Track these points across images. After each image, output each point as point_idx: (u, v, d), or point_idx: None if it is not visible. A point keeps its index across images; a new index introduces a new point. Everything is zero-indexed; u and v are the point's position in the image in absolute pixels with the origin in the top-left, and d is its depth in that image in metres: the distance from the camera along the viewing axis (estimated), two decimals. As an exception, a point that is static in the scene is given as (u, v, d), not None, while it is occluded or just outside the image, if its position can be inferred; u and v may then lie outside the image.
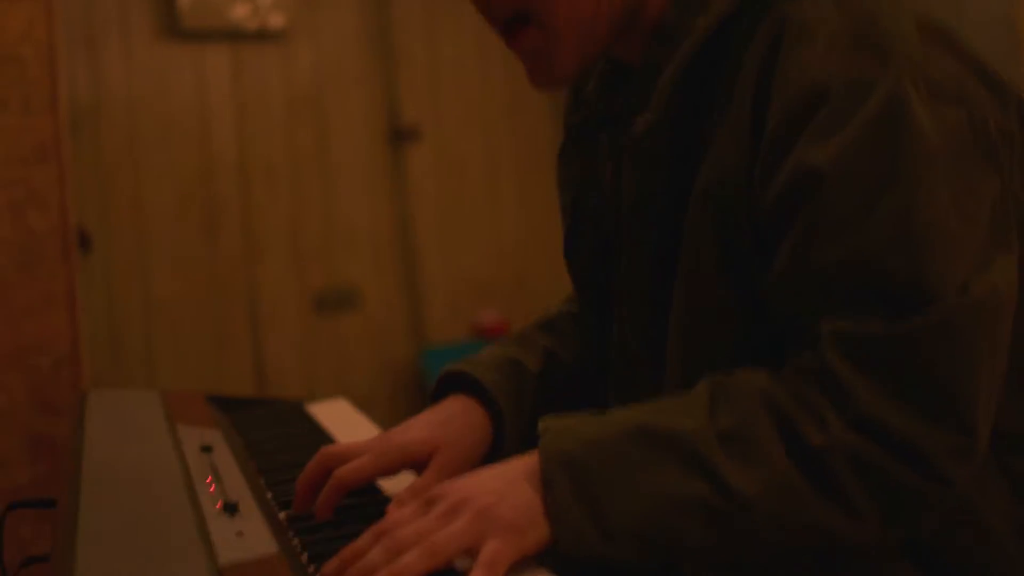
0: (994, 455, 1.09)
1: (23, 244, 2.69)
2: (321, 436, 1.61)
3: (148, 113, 3.73)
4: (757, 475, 0.99)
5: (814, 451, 0.98)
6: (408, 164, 4.00)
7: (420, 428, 1.27)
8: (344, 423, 1.74)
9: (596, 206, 1.28)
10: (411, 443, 1.25)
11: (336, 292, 4.04)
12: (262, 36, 3.88)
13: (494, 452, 1.31)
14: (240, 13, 3.82)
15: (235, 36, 3.84)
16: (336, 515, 1.20)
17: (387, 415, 4.10)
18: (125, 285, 3.71)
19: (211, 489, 1.25)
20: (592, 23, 1.16)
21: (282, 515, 1.20)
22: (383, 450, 1.24)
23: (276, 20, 3.88)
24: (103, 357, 3.58)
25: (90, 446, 1.43)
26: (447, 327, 4.16)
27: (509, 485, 1.03)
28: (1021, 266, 1.08)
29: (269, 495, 1.28)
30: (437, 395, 1.35)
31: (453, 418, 1.29)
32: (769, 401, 1.01)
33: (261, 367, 3.91)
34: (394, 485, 1.30)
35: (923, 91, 1.02)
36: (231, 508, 1.17)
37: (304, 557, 1.08)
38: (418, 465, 1.25)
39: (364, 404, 3.97)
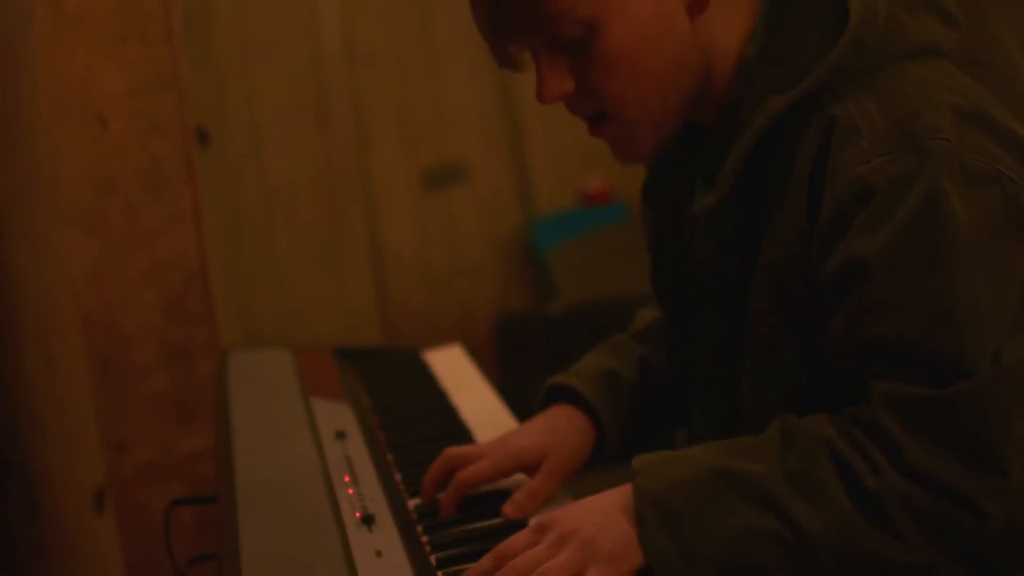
0: None
1: (149, 169, 2.85)
2: (442, 401, 1.76)
3: (256, 8, 3.84)
4: (821, 513, 1.17)
5: (871, 494, 1.15)
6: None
7: (531, 436, 1.46)
8: (458, 377, 1.88)
9: (676, 246, 1.41)
10: (524, 450, 1.45)
11: (445, 168, 4.17)
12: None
13: (595, 454, 1.50)
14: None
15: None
16: (462, 520, 1.37)
17: (498, 283, 4.26)
18: (243, 176, 3.88)
19: (350, 491, 1.41)
20: (662, 114, 1.30)
21: (419, 528, 1.36)
22: (499, 456, 1.43)
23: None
24: (226, 245, 3.76)
25: (237, 430, 1.60)
26: (553, 196, 4.27)
27: (608, 519, 1.22)
28: None
29: (402, 493, 1.44)
30: (544, 403, 1.52)
31: (559, 427, 1.48)
32: (831, 448, 1.18)
33: (376, 245, 4.07)
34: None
35: (959, 180, 1.17)
36: (369, 520, 1.33)
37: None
38: (529, 469, 1.42)
39: (476, 271, 4.15)
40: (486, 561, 1.22)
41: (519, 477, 1.46)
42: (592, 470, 1.50)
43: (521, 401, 3.64)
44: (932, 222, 1.16)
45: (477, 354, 4.14)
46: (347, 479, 1.45)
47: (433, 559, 1.30)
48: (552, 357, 3.64)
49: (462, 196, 4.20)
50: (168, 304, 2.91)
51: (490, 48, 1.33)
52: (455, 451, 1.45)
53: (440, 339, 4.15)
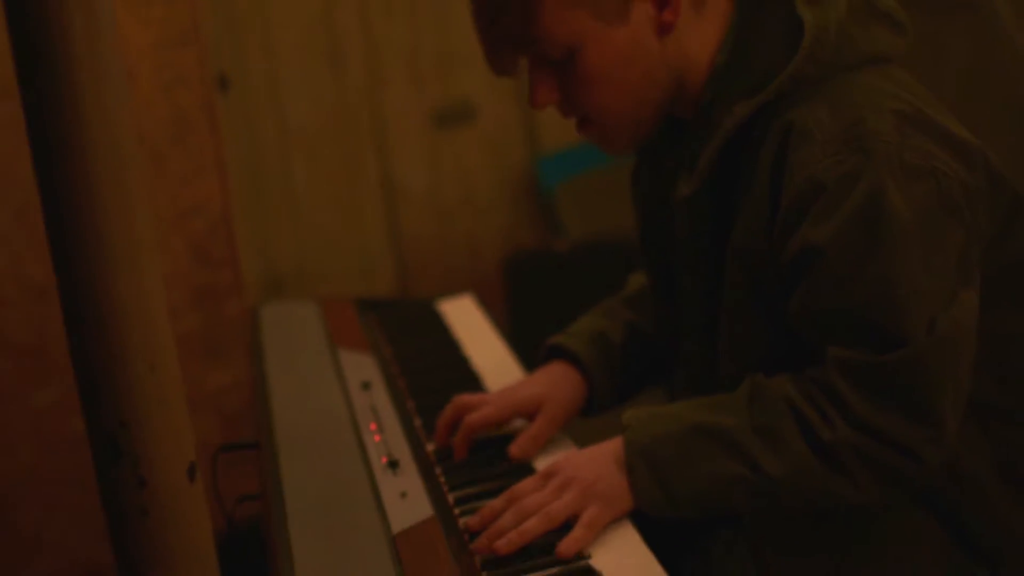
0: (976, 420, 1.46)
1: (174, 119, 3.02)
2: (455, 351, 1.94)
3: (271, -44, 3.98)
4: (783, 460, 1.37)
5: (825, 443, 1.35)
6: (516, -19, 4.21)
7: (532, 386, 1.66)
8: (470, 326, 2.07)
9: (661, 224, 1.60)
10: (524, 399, 1.65)
11: (454, 108, 4.31)
12: None
13: (587, 406, 1.71)
14: None
15: None
16: (475, 463, 1.56)
17: (507, 217, 4.42)
18: (262, 119, 4.03)
19: (376, 439, 1.59)
20: (635, 120, 1.50)
21: (437, 471, 1.55)
22: (502, 403, 1.63)
23: None
24: (247, 185, 3.92)
25: (272, 382, 1.78)
26: (558, 133, 4.41)
27: (603, 467, 1.43)
28: (993, 284, 1.43)
29: (422, 438, 1.63)
30: (544, 360, 1.74)
31: (555, 381, 1.68)
32: (792, 404, 1.38)
33: (388, 183, 4.23)
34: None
35: (899, 175, 1.35)
36: (394, 465, 1.52)
37: (456, 513, 1.43)
38: (528, 415, 1.64)
39: (484, 206, 4.31)
40: (499, 502, 1.42)
41: (520, 422, 1.66)
42: (583, 419, 1.70)
43: (530, 335, 3.82)
44: (874, 213, 1.35)
45: (486, 287, 4.34)
46: (373, 427, 1.64)
47: (451, 498, 1.48)
48: (559, 292, 3.84)
49: (470, 134, 4.34)
50: (194, 248, 3.09)
51: (487, 58, 1.51)
52: (463, 399, 1.65)
53: (451, 272, 4.35)
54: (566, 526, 1.39)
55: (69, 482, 2.80)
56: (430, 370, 1.88)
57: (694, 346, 1.59)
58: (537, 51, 1.48)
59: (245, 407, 3.09)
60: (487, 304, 4.18)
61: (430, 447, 1.63)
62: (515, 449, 1.60)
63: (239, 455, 1.78)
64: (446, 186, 4.35)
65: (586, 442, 1.56)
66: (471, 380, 1.85)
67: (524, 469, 1.56)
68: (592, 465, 1.43)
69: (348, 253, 4.22)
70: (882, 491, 1.39)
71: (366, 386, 1.77)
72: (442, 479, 1.53)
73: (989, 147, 1.46)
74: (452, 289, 4.31)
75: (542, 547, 1.36)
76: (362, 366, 1.84)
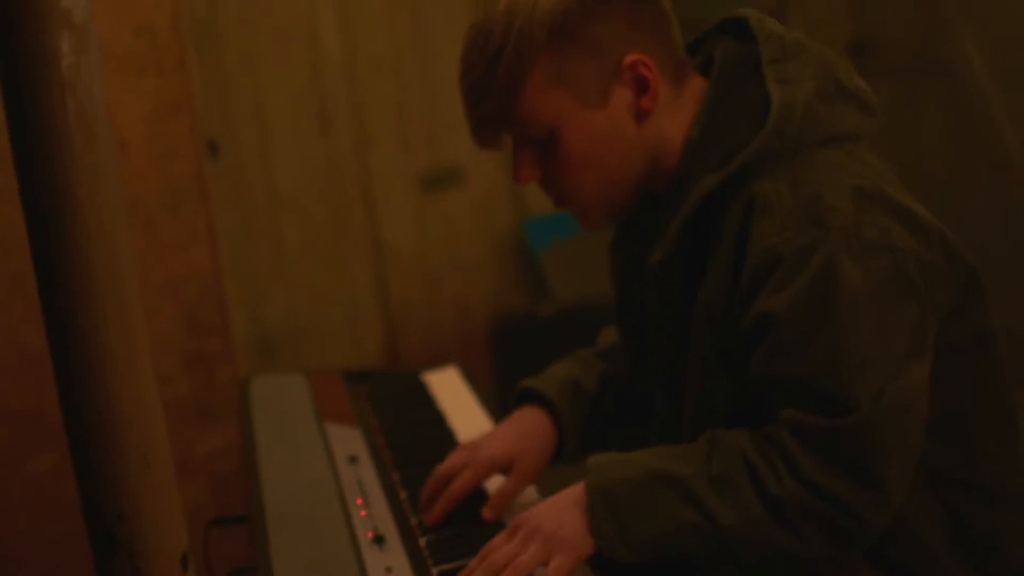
0: (930, 487, 1.53)
1: (167, 188, 3.08)
2: (440, 424, 1.99)
3: (261, 24, 4.05)
4: (735, 511, 1.44)
5: (774, 497, 1.42)
6: (502, 46, 4.28)
7: (503, 442, 1.75)
8: (454, 398, 2.12)
9: (637, 291, 1.67)
10: (496, 457, 1.73)
11: (441, 171, 4.38)
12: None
13: (557, 453, 1.79)
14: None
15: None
16: (457, 536, 1.61)
17: (493, 280, 4.48)
18: (251, 182, 4.09)
19: (362, 513, 1.64)
20: (610, 199, 1.59)
21: (422, 542, 1.60)
22: (478, 466, 1.71)
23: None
24: (236, 244, 3.98)
25: (262, 456, 1.83)
26: (545, 196, 4.47)
27: (565, 512, 1.50)
28: (950, 358, 1.51)
29: (407, 511, 1.68)
30: (517, 402, 1.83)
31: (527, 431, 1.77)
32: (745, 457, 1.45)
33: (377, 244, 4.29)
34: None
35: (854, 249, 1.42)
36: (380, 540, 1.56)
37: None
38: (504, 470, 1.72)
39: (472, 268, 4.36)
40: (474, 563, 1.49)
41: (497, 476, 1.73)
42: (553, 466, 1.77)
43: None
44: (827, 285, 1.41)
45: (474, 349, 4.39)
46: (359, 501, 1.68)
47: (435, 572, 1.53)
48: (543, 356, 3.89)
49: (458, 197, 4.41)
50: (186, 315, 3.14)
51: (472, 134, 1.59)
52: (441, 470, 1.72)
53: (438, 333, 4.40)
54: None
55: (66, 545, 2.85)
56: (416, 442, 1.94)
57: (663, 402, 1.67)
58: (520, 131, 1.55)
59: (236, 470, 3.13)
60: (474, 366, 4.25)
61: (415, 521, 1.68)
62: (487, 512, 1.68)
63: (230, 524, 1.82)
64: (434, 248, 4.41)
65: (556, 487, 1.62)
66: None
67: (498, 529, 1.62)
68: (554, 513, 1.50)
69: (337, 314, 4.27)
70: (827, 548, 1.45)
71: (353, 460, 1.82)
72: (427, 553, 1.58)
73: (963, 206, 1.53)
74: (440, 350, 4.39)
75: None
76: (349, 440, 1.89)
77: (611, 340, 1.91)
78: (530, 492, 1.72)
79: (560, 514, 1.49)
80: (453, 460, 1.72)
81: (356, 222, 4.28)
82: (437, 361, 4.31)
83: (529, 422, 1.78)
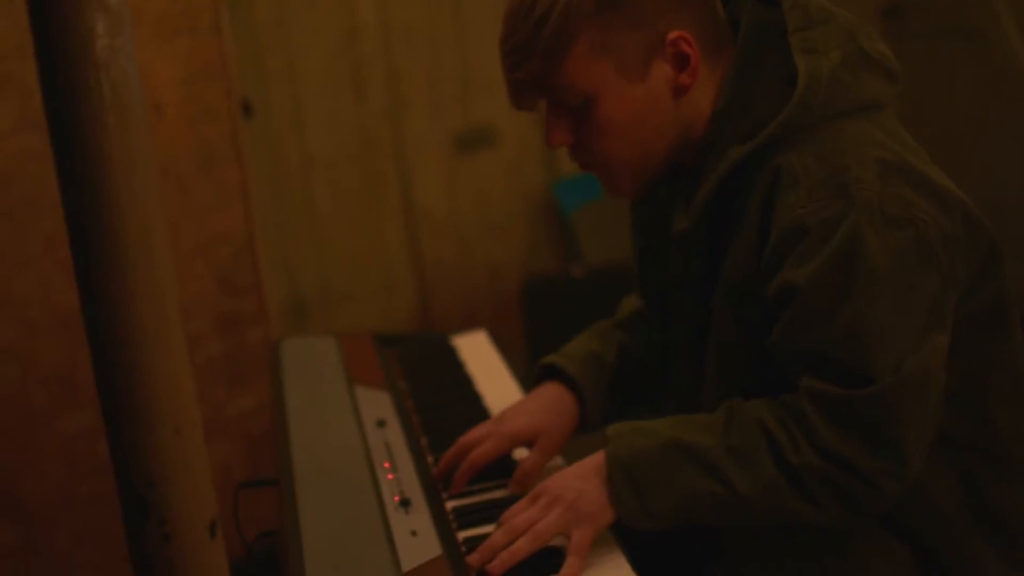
0: (946, 455, 1.55)
1: (201, 151, 3.11)
2: (468, 388, 2.02)
3: (295, -14, 4.07)
4: (753, 479, 1.46)
5: (792, 466, 1.45)
6: (535, 8, 4.29)
7: (527, 416, 1.76)
8: (483, 363, 2.15)
9: (658, 257, 1.69)
10: (520, 431, 1.75)
11: (474, 133, 4.40)
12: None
13: (580, 425, 1.81)
14: None
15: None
16: (482, 504, 1.64)
17: (525, 241, 4.50)
18: (285, 144, 4.12)
19: (389, 477, 1.67)
20: (641, 170, 1.58)
21: (448, 506, 1.63)
22: (501, 438, 1.73)
23: None
24: (269, 206, 4.01)
25: (292, 419, 1.86)
26: (576, 158, 4.48)
27: (586, 482, 1.53)
28: (968, 328, 1.52)
29: (433, 471, 1.70)
30: (539, 378, 1.84)
31: (550, 406, 1.79)
32: (764, 427, 1.47)
33: (410, 207, 4.31)
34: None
35: (878, 223, 1.43)
36: (406, 504, 1.59)
37: (464, 552, 1.51)
38: (527, 444, 1.74)
39: (504, 229, 4.38)
40: (495, 528, 1.53)
41: (522, 449, 1.76)
42: (576, 437, 1.80)
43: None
44: (851, 258, 1.43)
45: (506, 309, 4.42)
46: (387, 465, 1.71)
47: (460, 536, 1.56)
48: (575, 316, 3.91)
49: (490, 159, 4.43)
50: (219, 276, 3.17)
51: (510, 96, 1.60)
52: (465, 439, 1.75)
53: (470, 294, 4.43)
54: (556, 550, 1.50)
55: (99, 505, 2.90)
56: (443, 406, 1.96)
57: (683, 370, 1.69)
58: (556, 97, 1.56)
59: (267, 431, 3.17)
60: (506, 327, 4.29)
61: (441, 485, 1.70)
62: (514, 485, 1.69)
63: (259, 487, 1.85)
64: (466, 209, 4.43)
65: (576, 454, 1.65)
66: (482, 417, 1.92)
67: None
68: (575, 482, 1.52)
69: (370, 276, 4.30)
70: (843, 515, 1.47)
71: (381, 423, 1.85)
72: (452, 518, 1.61)
73: (994, 167, 1.55)
74: (472, 311, 4.43)
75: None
76: (378, 403, 1.92)
77: (631, 308, 1.93)
78: (556, 464, 1.74)
79: (581, 483, 1.52)
80: (478, 431, 1.75)
81: (389, 184, 4.31)
82: (469, 322, 4.37)
83: (552, 397, 1.80)
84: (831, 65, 1.52)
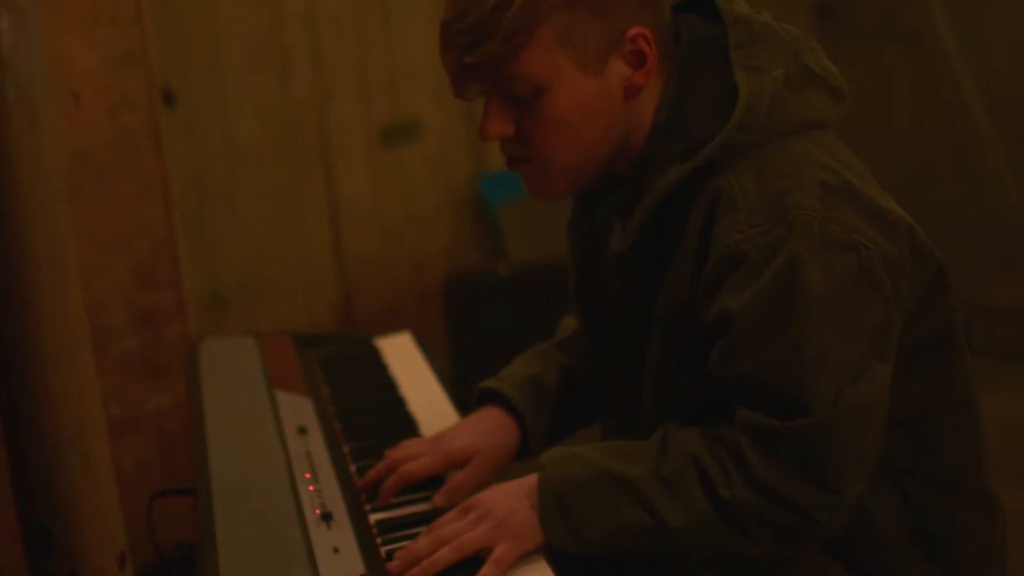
0: (890, 480, 1.52)
1: (120, 141, 3.02)
2: (392, 392, 1.97)
3: (220, -28, 3.99)
4: (684, 511, 1.42)
5: (724, 501, 1.40)
6: (464, 1, 4.24)
7: (464, 437, 1.70)
8: (407, 366, 2.10)
9: (595, 274, 1.64)
10: (457, 450, 1.69)
11: (400, 125, 4.34)
12: None
13: (520, 450, 1.75)
14: None
15: None
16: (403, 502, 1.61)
17: (450, 236, 4.46)
18: (206, 135, 4.04)
19: (310, 488, 1.62)
20: (578, 171, 1.53)
21: (371, 519, 1.58)
22: (436, 455, 1.68)
23: None
24: (191, 200, 3.93)
25: (210, 425, 1.80)
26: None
27: (517, 502, 1.48)
28: (914, 354, 1.48)
29: (357, 486, 1.65)
30: (478, 403, 1.78)
31: (489, 428, 1.73)
32: (696, 459, 1.43)
33: (333, 199, 4.25)
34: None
35: (818, 249, 1.39)
36: (328, 518, 1.54)
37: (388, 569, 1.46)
38: (461, 465, 1.68)
39: (429, 223, 4.33)
40: (422, 535, 1.49)
41: (453, 471, 1.70)
42: (517, 463, 1.74)
43: (471, 356, 3.84)
44: (790, 285, 1.39)
45: (429, 304, 4.36)
46: (308, 475, 1.66)
47: (383, 552, 1.51)
48: (501, 315, 3.88)
49: (415, 151, 4.38)
50: (137, 270, 3.09)
51: (452, 83, 1.52)
52: (397, 453, 1.68)
53: (394, 288, 4.36)
54: (479, 558, 1.45)
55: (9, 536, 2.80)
56: (367, 413, 1.91)
57: (621, 395, 1.63)
58: (504, 85, 1.49)
59: (183, 428, 3.10)
60: (430, 323, 4.24)
61: (364, 497, 1.65)
62: (439, 498, 1.64)
63: (185, 474, 1.79)
64: (390, 203, 4.38)
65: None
66: (407, 423, 1.87)
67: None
68: (508, 500, 1.48)
69: (292, 269, 4.23)
70: (779, 548, 1.44)
71: (302, 431, 1.79)
72: (375, 532, 1.56)
73: (928, 170, 1.52)
74: (395, 306, 4.37)
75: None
76: (299, 408, 1.87)
77: (572, 329, 1.87)
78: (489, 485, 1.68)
79: (513, 502, 1.47)
80: (411, 448, 1.69)
81: (312, 176, 4.24)
82: (392, 317, 4.32)
83: (492, 421, 1.74)
84: (773, 84, 1.47)
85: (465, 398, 1.92)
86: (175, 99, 3.88)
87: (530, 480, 1.49)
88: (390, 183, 4.37)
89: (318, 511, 1.56)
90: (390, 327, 4.32)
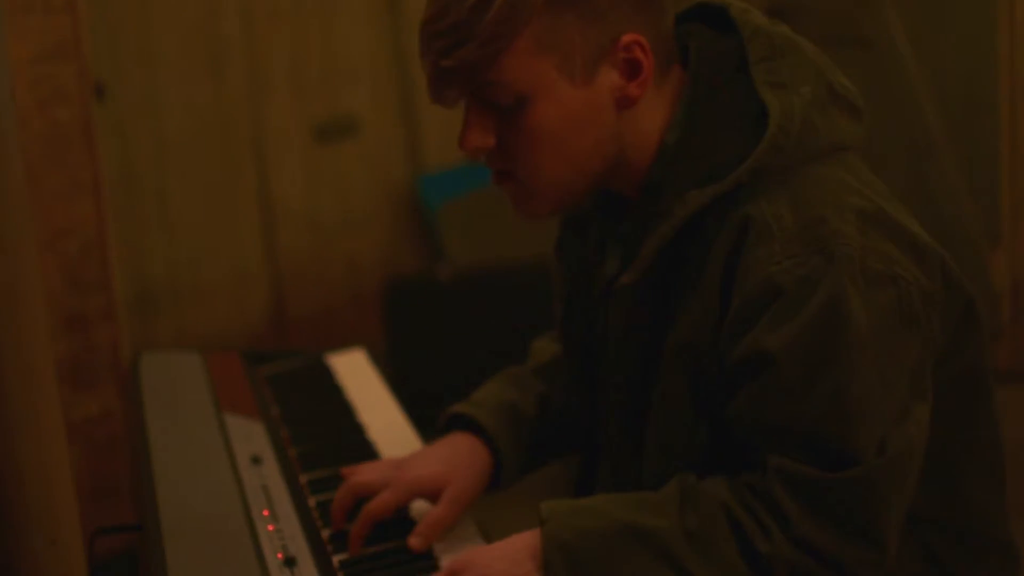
0: (911, 530, 1.40)
1: (51, 136, 2.89)
2: (348, 417, 1.86)
3: (152, -39, 3.84)
4: (715, 569, 1.29)
5: (761, 556, 1.28)
6: (405, -3, 4.14)
7: (432, 464, 1.56)
8: (362, 386, 1.98)
9: (586, 305, 1.52)
10: (424, 479, 1.55)
11: (336, 122, 4.21)
12: None
13: (492, 481, 1.61)
14: None
15: None
16: (376, 560, 1.47)
17: (388, 237, 4.34)
18: (136, 129, 3.89)
19: (270, 527, 1.50)
20: (567, 188, 1.41)
21: (336, 561, 1.47)
22: (401, 486, 1.54)
23: None
24: (118, 197, 3.78)
25: (155, 453, 1.67)
26: (443, 152, 4.34)
27: (516, 565, 1.33)
28: (941, 397, 1.36)
29: (318, 522, 1.54)
30: (446, 428, 1.64)
31: (460, 455, 1.58)
32: (728, 511, 1.30)
33: (266, 197, 4.12)
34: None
35: (859, 282, 1.27)
36: (291, 563, 1.43)
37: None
38: (430, 497, 1.54)
39: (365, 224, 4.21)
40: None
41: (421, 503, 1.57)
42: (488, 495, 1.62)
43: (411, 364, 3.71)
44: (833, 322, 1.28)
45: (365, 308, 4.24)
46: (266, 512, 1.54)
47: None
48: (441, 321, 3.76)
49: (351, 149, 4.25)
50: (66, 272, 2.95)
51: (429, 87, 1.40)
52: (359, 480, 1.55)
53: (329, 291, 4.24)
54: None
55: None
56: (322, 438, 1.80)
57: (619, 436, 1.50)
58: (486, 93, 1.37)
59: (114, 437, 2.97)
60: (365, 326, 4.11)
61: (327, 534, 1.54)
62: (415, 540, 1.52)
63: (114, 486, 1.67)
64: (325, 202, 4.25)
65: (485, 517, 1.51)
66: (366, 450, 1.77)
67: (426, 560, 1.49)
68: (503, 563, 1.34)
69: (223, 270, 4.10)
70: None
71: (256, 460, 1.68)
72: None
73: (884, 180, 1.41)
74: (330, 309, 4.24)
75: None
76: (251, 435, 1.75)
77: (548, 355, 1.73)
78: (465, 522, 1.56)
79: (510, 567, 1.33)
80: (371, 476, 1.56)
81: (245, 174, 4.11)
82: (326, 321, 4.19)
83: (462, 447, 1.61)
84: (803, 103, 1.36)
85: (407, 409, 1.81)
86: (105, 91, 3.74)
87: (527, 538, 1.35)
88: (325, 182, 4.24)
89: (280, 555, 1.45)
90: (324, 331, 4.23)
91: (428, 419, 1.86)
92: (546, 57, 1.35)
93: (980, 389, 1.45)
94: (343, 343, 3.84)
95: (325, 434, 1.82)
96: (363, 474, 1.57)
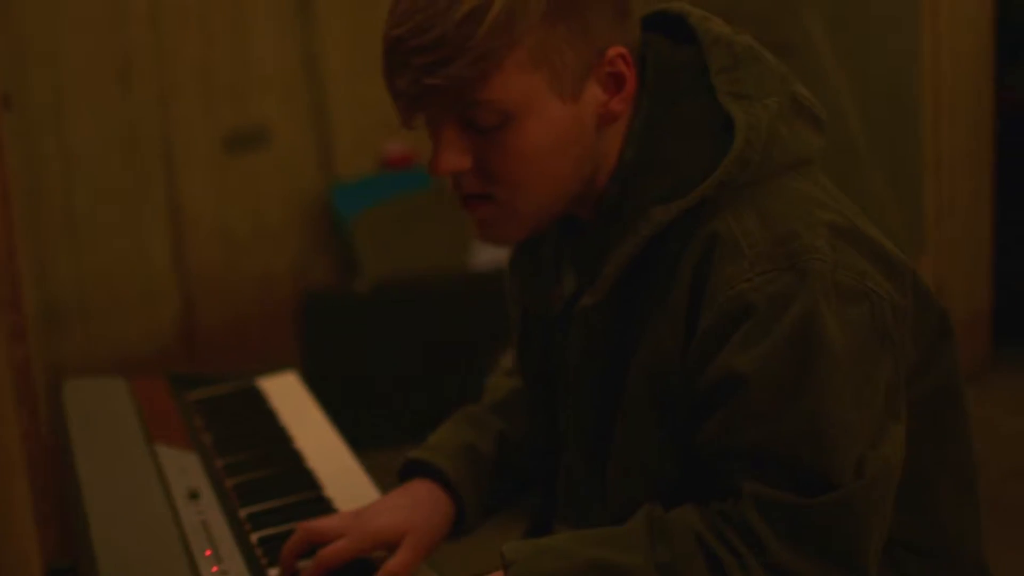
0: (887, 557, 1.34)
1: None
2: (284, 443, 1.79)
3: (57, -33, 3.73)
4: None
5: None
6: (316, 2, 4.05)
7: (392, 513, 1.49)
8: (296, 411, 1.91)
9: (542, 326, 1.45)
10: (384, 528, 1.47)
11: (246, 131, 4.13)
12: None
13: (454, 528, 1.54)
14: None
15: None
16: None
17: (301, 248, 4.25)
18: (41, 139, 3.79)
19: (214, 569, 1.43)
20: (547, 210, 1.34)
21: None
22: (360, 535, 1.46)
23: None
24: (25, 209, 3.66)
25: (87, 491, 1.59)
26: (355, 161, 4.27)
27: None
28: (913, 415, 1.32)
29: (263, 563, 1.47)
30: (404, 475, 1.56)
31: (420, 503, 1.51)
32: (701, 541, 1.24)
33: (175, 208, 4.03)
34: None
35: (832, 299, 1.23)
36: (238, 608, 1.35)
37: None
38: (389, 547, 1.46)
39: (277, 236, 4.13)
40: None
41: (378, 552, 1.50)
42: (449, 540, 1.55)
43: (329, 382, 3.63)
44: (807, 341, 1.22)
45: (277, 322, 4.15)
46: (208, 553, 1.47)
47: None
48: (360, 336, 3.69)
49: (262, 159, 4.17)
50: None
51: (398, 109, 1.31)
52: (313, 527, 1.47)
53: (240, 305, 4.14)
54: None
55: None
56: (260, 469, 1.72)
57: (579, 466, 1.44)
58: (467, 114, 1.28)
59: (33, 460, 2.86)
60: (278, 342, 4.02)
61: (275, 574, 1.46)
62: None
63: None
64: (236, 213, 4.17)
65: (443, 558, 1.44)
66: (306, 480, 1.69)
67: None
68: None
69: (131, 284, 4.00)
70: None
71: (194, 495, 1.60)
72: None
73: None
74: (241, 323, 4.15)
75: None
76: (186, 468, 1.67)
77: (508, 389, 1.66)
78: (425, 571, 1.49)
79: None
80: (329, 524, 1.47)
81: (154, 184, 4.02)
82: (238, 336, 4.10)
83: (421, 494, 1.53)
84: (769, 115, 1.30)
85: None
86: (11, 100, 3.62)
87: None
88: (236, 192, 4.15)
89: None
90: (236, 346, 4.13)
91: (349, 438, 1.83)
92: (538, 73, 1.27)
93: (954, 406, 1.41)
94: (255, 358, 3.77)
95: (262, 463, 1.74)
96: (320, 521, 1.49)
